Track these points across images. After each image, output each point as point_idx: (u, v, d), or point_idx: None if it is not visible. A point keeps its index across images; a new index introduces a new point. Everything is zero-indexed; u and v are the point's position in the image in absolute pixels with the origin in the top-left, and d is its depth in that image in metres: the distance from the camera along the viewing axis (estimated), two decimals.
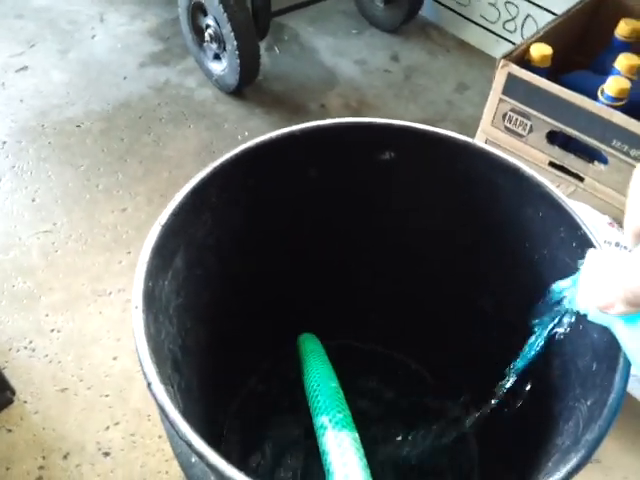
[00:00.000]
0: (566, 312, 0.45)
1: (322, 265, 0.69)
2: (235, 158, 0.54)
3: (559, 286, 0.43)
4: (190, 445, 0.38)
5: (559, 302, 0.44)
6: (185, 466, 0.48)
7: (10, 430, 0.92)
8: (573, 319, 0.46)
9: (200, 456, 0.38)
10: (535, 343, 0.51)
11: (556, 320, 0.46)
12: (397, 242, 0.66)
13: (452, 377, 0.75)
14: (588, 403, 0.48)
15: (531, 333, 0.50)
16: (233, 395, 0.78)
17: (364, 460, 0.37)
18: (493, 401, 0.56)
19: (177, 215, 0.50)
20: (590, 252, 0.37)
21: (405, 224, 0.64)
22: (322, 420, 0.39)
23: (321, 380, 0.44)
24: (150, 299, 0.47)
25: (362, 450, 0.38)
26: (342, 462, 0.36)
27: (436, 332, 0.68)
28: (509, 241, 0.59)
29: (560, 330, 0.48)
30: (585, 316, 0.38)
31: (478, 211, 0.59)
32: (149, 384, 0.41)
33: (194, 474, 0.47)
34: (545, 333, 0.49)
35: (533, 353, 0.50)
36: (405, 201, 0.62)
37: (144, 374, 0.42)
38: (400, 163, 0.61)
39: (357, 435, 0.39)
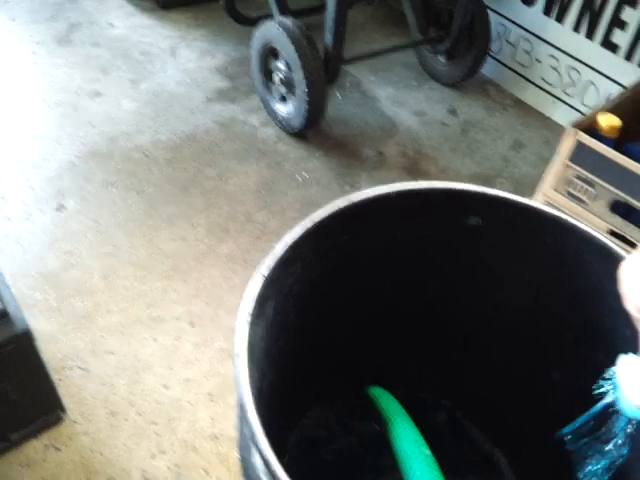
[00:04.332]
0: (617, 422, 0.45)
1: (392, 319, 0.70)
2: (333, 214, 0.56)
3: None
4: None
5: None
6: None
7: (58, 449, 0.93)
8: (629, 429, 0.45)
9: None
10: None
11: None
12: (482, 311, 0.66)
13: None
14: None
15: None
16: (288, 438, 0.79)
17: None
18: None
19: (277, 267, 0.52)
20: (621, 358, 0.37)
21: (491, 294, 0.64)
22: None
23: (415, 446, 0.44)
24: (250, 347, 0.48)
25: None
26: None
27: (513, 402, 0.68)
28: (593, 317, 0.59)
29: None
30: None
31: (564, 284, 0.60)
32: (253, 434, 0.41)
33: None
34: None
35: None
36: (492, 268, 0.63)
37: (249, 424, 0.42)
38: (486, 230, 0.62)
39: None
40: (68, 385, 1.00)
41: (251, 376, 0.51)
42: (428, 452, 0.43)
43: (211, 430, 0.96)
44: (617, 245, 0.56)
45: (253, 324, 0.50)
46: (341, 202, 0.57)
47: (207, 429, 0.96)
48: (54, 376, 0.98)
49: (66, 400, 0.97)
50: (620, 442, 0.45)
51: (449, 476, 0.52)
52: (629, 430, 0.44)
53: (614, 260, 0.56)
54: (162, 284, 1.15)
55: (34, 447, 0.92)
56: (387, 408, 0.53)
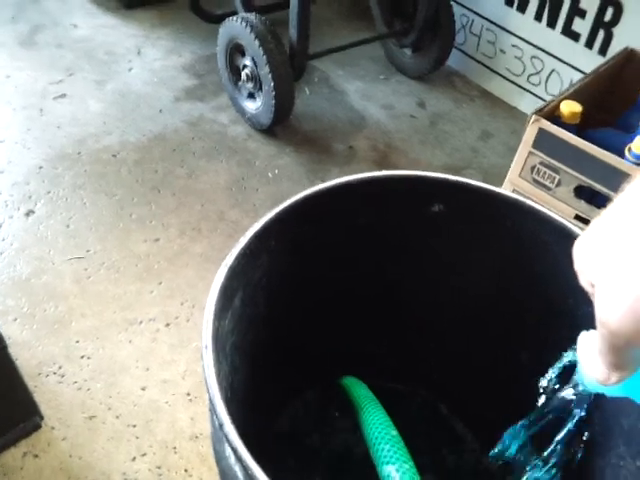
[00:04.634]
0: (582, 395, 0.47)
1: (366, 312, 0.71)
2: (296, 204, 0.57)
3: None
4: None
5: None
6: None
7: (37, 456, 0.92)
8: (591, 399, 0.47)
9: None
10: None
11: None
12: (443, 294, 0.68)
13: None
14: (637, 463, 0.49)
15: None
16: (266, 434, 0.79)
17: None
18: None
19: (241, 257, 0.52)
20: (581, 335, 0.39)
21: (452, 277, 0.66)
22: (388, 469, 0.41)
23: (382, 428, 0.45)
24: (216, 339, 0.48)
25: None
26: None
27: (476, 383, 0.69)
28: (554, 297, 0.61)
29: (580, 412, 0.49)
30: (604, 395, 0.40)
31: (525, 267, 0.61)
32: (221, 425, 0.42)
33: None
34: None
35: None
36: (453, 253, 0.64)
37: (216, 414, 0.43)
38: (449, 216, 0.63)
39: None
40: (44, 391, 0.99)
41: (220, 369, 0.51)
42: (395, 433, 0.44)
43: (191, 430, 0.96)
44: (576, 226, 0.58)
45: (220, 317, 0.51)
46: (304, 193, 0.57)
47: (187, 429, 0.96)
48: (30, 383, 0.97)
49: (43, 406, 0.96)
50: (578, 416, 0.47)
51: (422, 456, 0.54)
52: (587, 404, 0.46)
53: (572, 240, 0.58)
54: (136, 286, 1.15)
55: (12, 455, 0.91)
56: (357, 396, 0.54)
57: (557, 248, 0.59)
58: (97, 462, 0.91)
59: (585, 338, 0.38)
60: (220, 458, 0.52)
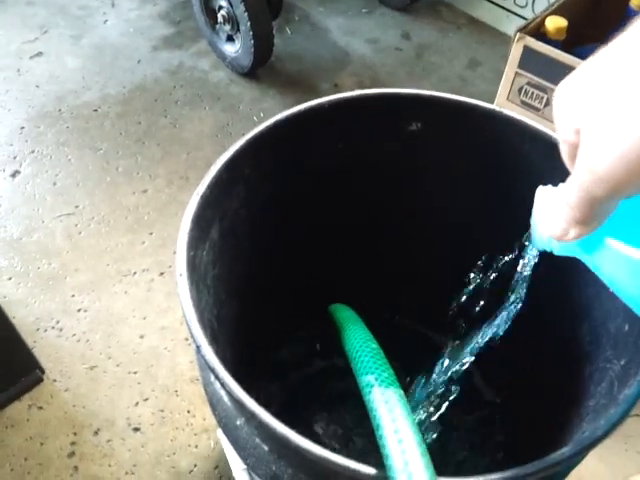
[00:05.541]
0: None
1: (351, 237, 0.70)
2: (267, 130, 0.55)
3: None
4: (242, 405, 0.39)
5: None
6: (229, 429, 0.50)
7: (41, 407, 0.94)
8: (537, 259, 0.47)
9: (252, 415, 0.38)
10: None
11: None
12: (426, 215, 0.67)
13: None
14: (622, 363, 0.49)
15: None
16: (266, 365, 0.80)
17: (412, 415, 0.38)
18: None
19: (213, 187, 0.51)
20: (538, 189, 0.37)
21: (435, 195, 0.65)
22: (368, 379, 0.41)
23: (363, 342, 0.45)
24: (192, 268, 0.48)
25: (409, 406, 0.39)
26: (391, 417, 0.37)
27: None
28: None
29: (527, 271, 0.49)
30: (552, 253, 0.38)
31: (506, 178, 0.60)
32: (198, 347, 0.42)
33: (239, 437, 0.49)
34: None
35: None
36: (434, 170, 0.63)
37: (193, 337, 0.43)
38: (427, 134, 0.61)
39: (402, 392, 0.40)
40: (43, 346, 1.00)
41: (201, 298, 0.51)
42: (375, 346, 0.44)
43: (191, 373, 0.98)
44: (553, 131, 0.56)
45: (196, 246, 0.50)
46: (275, 118, 0.56)
47: (187, 372, 0.98)
48: (29, 339, 0.99)
49: (43, 360, 0.97)
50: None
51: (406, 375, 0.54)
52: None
53: (550, 146, 0.56)
54: (127, 238, 1.15)
55: (17, 409, 0.93)
56: (340, 317, 0.54)
57: (536, 156, 0.57)
58: (101, 409, 0.93)
59: (544, 192, 0.36)
60: (206, 384, 0.52)
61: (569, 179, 0.29)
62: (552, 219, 0.32)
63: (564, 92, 0.29)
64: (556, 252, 0.37)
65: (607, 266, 0.34)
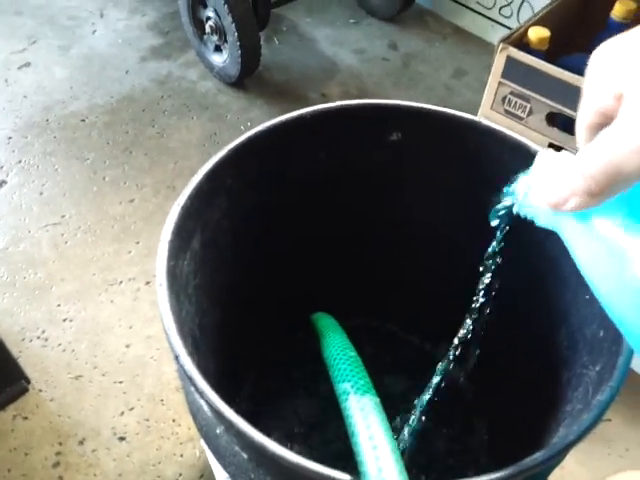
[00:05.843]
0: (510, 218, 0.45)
1: (337, 247, 0.70)
2: (249, 141, 0.56)
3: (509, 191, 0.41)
4: (221, 414, 0.39)
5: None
6: (209, 438, 0.50)
7: (26, 418, 0.93)
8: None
9: (230, 424, 0.39)
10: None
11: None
12: (408, 221, 0.67)
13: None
14: (597, 369, 0.49)
15: None
16: (247, 374, 0.80)
17: (387, 422, 0.39)
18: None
19: (194, 197, 0.52)
20: (540, 154, 0.35)
21: (417, 206, 0.65)
22: (344, 386, 0.41)
23: (340, 350, 0.45)
24: (172, 277, 0.48)
25: (384, 413, 0.40)
26: (366, 425, 0.38)
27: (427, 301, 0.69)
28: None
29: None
30: (533, 222, 0.36)
31: (487, 188, 0.61)
32: (177, 356, 0.42)
33: (219, 445, 0.49)
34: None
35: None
36: (415, 181, 0.64)
37: (171, 346, 0.43)
38: (408, 144, 0.62)
39: (378, 400, 0.41)
40: (29, 356, 1.00)
41: (182, 307, 0.51)
42: (353, 354, 0.45)
43: (177, 382, 0.97)
44: (534, 145, 0.57)
45: (177, 256, 0.50)
46: (257, 128, 0.57)
47: (173, 381, 0.98)
48: (14, 349, 0.98)
49: (29, 370, 0.97)
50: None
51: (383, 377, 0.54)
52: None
53: (529, 157, 0.57)
54: (114, 247, 1.15)
55: (1, 419, 0.93)
56: (320, 326, 0.54)
57: (515, 165, 0.58)
58: (86, 419, 0.92)
59: (546, 157, 0.34)
60: (187, 393, 0.52)
61: (589, 148, 0.27)
62: (552, 186, 0.30)
63: (605, 55, 0.27)
64: (538, 223, 0.35)
65: (583, 245, 0.32)
